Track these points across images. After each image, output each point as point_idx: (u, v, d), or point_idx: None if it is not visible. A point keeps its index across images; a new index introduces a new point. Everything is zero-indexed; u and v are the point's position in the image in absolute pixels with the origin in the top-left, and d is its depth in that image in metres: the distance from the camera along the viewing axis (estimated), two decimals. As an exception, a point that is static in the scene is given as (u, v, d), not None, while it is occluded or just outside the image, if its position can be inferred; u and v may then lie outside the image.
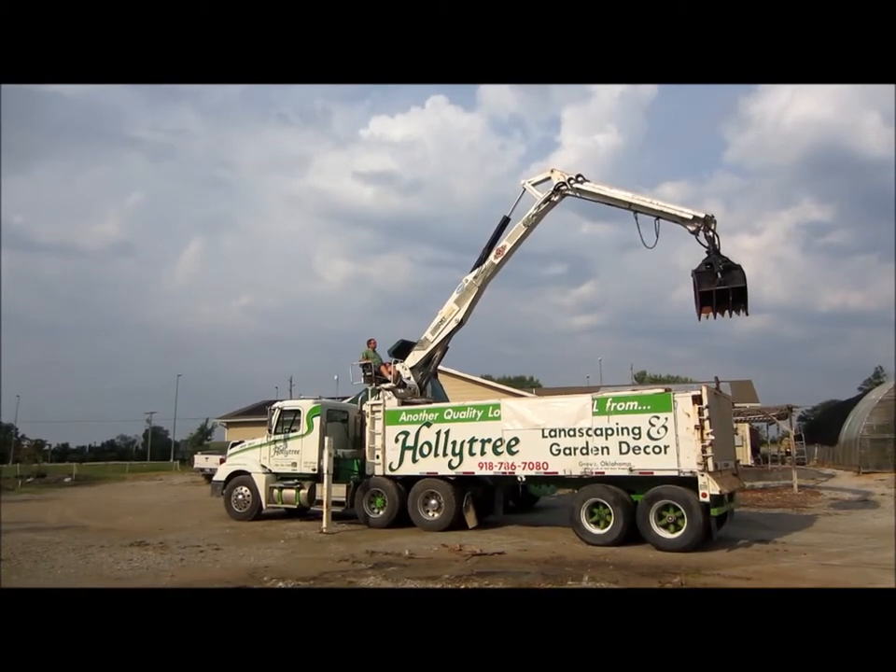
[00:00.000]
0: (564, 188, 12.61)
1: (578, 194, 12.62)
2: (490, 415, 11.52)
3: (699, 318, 11.41)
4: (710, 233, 11.35)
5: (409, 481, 12.24)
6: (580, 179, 12.45)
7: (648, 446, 9.85)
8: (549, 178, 12.91)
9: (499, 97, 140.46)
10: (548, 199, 12.78)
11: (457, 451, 11.70)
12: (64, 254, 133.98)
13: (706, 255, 11.35)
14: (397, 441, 12.44)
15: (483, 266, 13.20)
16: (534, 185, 13.12)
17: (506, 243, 13.11)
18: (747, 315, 11.25)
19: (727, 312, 11.28)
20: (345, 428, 14.10)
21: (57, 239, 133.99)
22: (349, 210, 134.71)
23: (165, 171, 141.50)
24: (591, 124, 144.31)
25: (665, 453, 9.69)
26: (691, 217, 11.37)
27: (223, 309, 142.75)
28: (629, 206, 12.01)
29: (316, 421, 13.41)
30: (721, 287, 11.03)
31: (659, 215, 11.73)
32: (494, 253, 13.16)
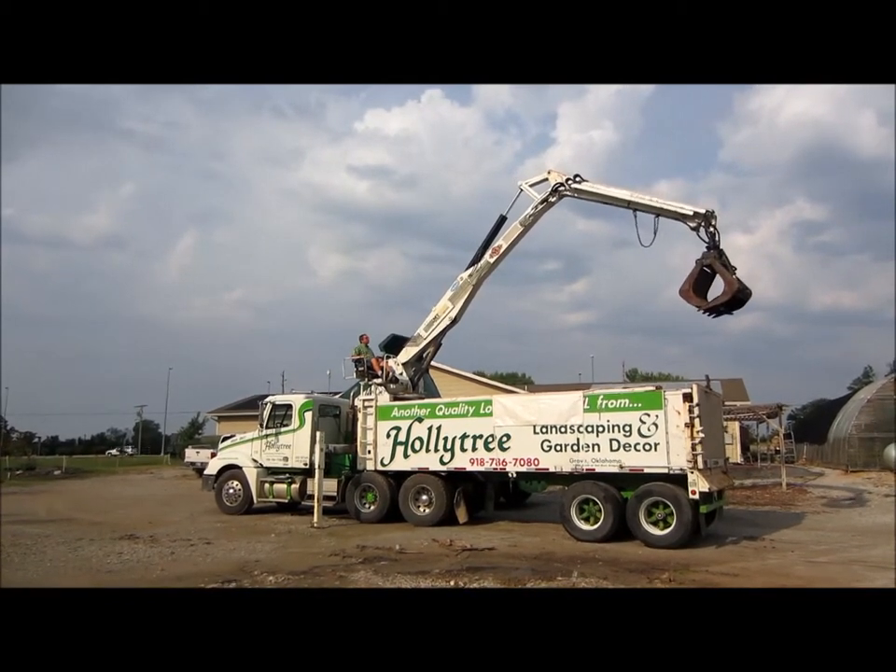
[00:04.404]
0: (562, 188, 12.48)
1: (576, 194, 12.50)
2: (482, 412, 11.54)
3: (698, 307, 11.38)
4: (711, 229, 11.24)
5: (400, 476, 12.26)
6: (577, 179, 12.33)
7: (638, 443, 9.91)
8: (546, 179, 12.79)
9: (495, 92, 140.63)
10: (545, 199, 12.65)
11: (449, 447, 11.74)
12: (54, 245, 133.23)
13: (706, 249, 11.33)
14: (388, 436, 12.46)
15: (479, 265, 13.14)
16: (531, 186, 13.02)
17: (502, 242, 13.05)
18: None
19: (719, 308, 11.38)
20: (337, 423, 14.09)
21: (47, 230, 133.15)
22: (343, 204, 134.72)
23: (158, 162, 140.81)
24: (587, 120, 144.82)
25: (656, 450, 9.75)
26: (691, 213, 11.26)
27: (216, 302, 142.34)
28: (628, 205, 11.89)
29: (308, 416, 13.40)
30: (727, 301, 11.08)
31: (659, 212, 11.60)
32: (490, 252, 13.10)
